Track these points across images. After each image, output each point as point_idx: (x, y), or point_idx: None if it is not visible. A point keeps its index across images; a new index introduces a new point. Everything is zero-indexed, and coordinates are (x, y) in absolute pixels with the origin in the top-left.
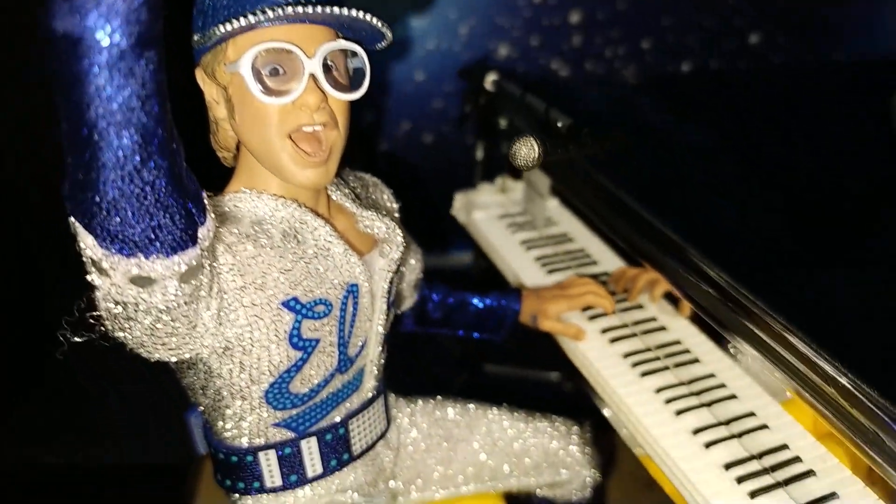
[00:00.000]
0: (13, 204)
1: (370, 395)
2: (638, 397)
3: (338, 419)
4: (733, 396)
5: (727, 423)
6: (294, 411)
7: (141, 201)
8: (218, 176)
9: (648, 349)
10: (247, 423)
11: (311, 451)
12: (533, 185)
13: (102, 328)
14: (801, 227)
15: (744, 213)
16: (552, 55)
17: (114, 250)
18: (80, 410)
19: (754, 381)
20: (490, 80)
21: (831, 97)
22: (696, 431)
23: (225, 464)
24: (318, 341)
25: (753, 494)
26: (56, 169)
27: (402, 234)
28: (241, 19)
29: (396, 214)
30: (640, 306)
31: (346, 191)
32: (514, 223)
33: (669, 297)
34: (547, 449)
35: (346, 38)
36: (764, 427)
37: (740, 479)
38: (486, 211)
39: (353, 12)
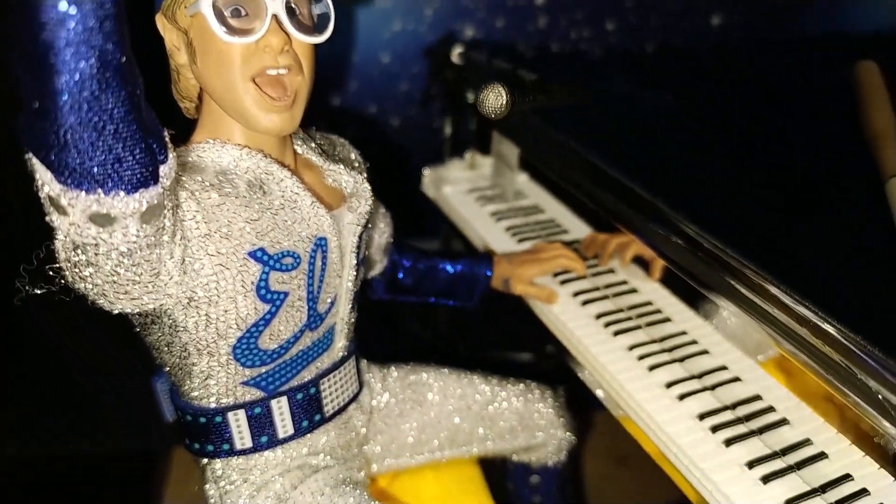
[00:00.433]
0: None
1: (341, 354)
2: (611, 355)
3: (308, 378)
4: (705, 352)
5: (700, 376)
6: (263, 369)
7: (100, 131)
8: (181, 137)
9: (620, 310)
10: (214, 381)
11: (281, 410)
12: (502, 157)
13: (62, 280)
14: (767, 182)
15: (712, 171)
16: (518, 36)
17: (72, 185)
18: (51, 401)
19: (725, 338)
20: (456, 52)
21: (794, 70)
22: (669, 385)
23: (193, 426)
24: (286, 295)
25: (728, 442)
26: None
27: (370, 189)
28: None
29: (364, 174)
30: (611, 271)
31: (313, 145)
32: (484, 196)
33: (640, 262)
34: (521, 412)
35: None
36: (736, 380)
37: (714, 428)
38: (455, 186)
39: None
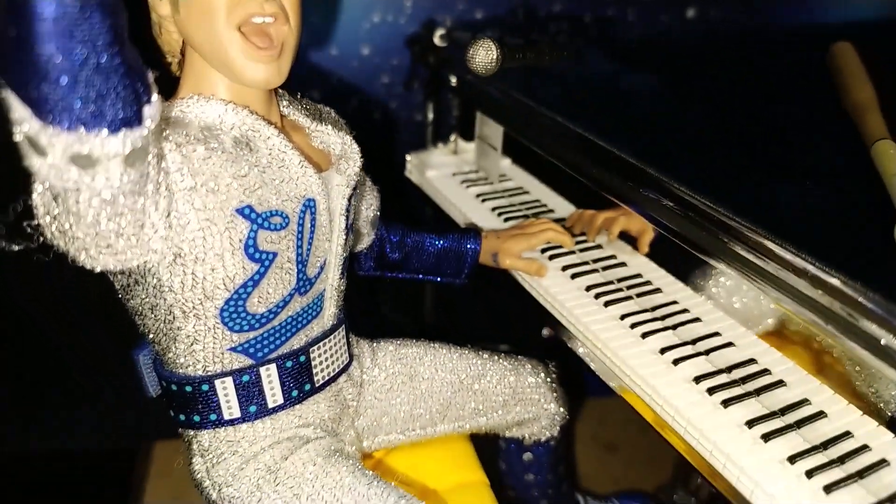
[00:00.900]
0: None
1: (331, 323)
2: (603, 324)
3: (298, 346)
4: (697, 319)
5: (693, 342)
6: (251, 335)
7: (82, 63)
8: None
9: (610, 282)
10: (201, 346)
11: (270, 378)
12: (486, 139)
13: (41, 237)
14: (753, 148)
15: (698, 138)
16: (497, 28)
17: (52, 122)
18: (28, 398)
19: (717, 307)
20: (439, 34)
21: (773, 53)
22: (663, 350)
23: (179, 396)
24: (275, 255)
25: (726, 403)
26: None
27: (358, 150)
28: None
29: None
30: (599, 246)
31: (299, 107)
32: (468, 179)
33: (627, 239)
34: (514, 386)
35: None
36: (730, 345)
37: (711, 390)
38: (439, 170)
39: None
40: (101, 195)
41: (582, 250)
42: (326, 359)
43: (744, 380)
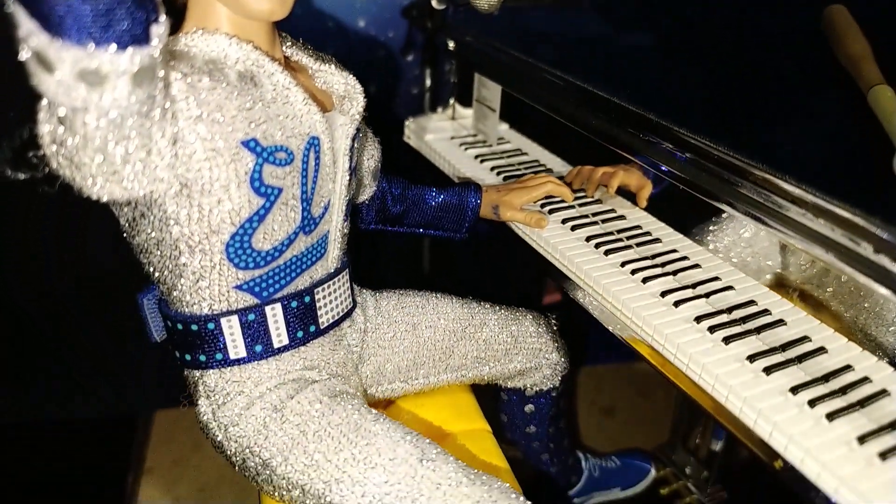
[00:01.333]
0: None
1: (335, 265)
2: (604, 271)
3: (303, 287)
4: (697, 266)
5: (693, 286)
6: (257, 272)
7: None
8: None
9: (610, 233)
10: (207, 283)
11: (275, 318)
12: (484, 101)
13: (47, 166)
14: (753, 96)
15: (696, 86)
16: None
17: (61, 36)
18: (29, 367)
19: (716, 255)
20: None
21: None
22: (664, 294)
23: (184, 335)
24: (280, 191)
25: (727, 340)
26: None
27: (362, 90)
28: None
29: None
30: (598, 201)
31: (302, 48)
32: (466, 142)
33: (626, 195)
34: (516, 335)
35: None
36: (729, 288)
37: (712, 329)
38: (437, 134)
39: None
40: (108, 115)
41: (581, 205)
42: (330, 301)
43: (744, 319)
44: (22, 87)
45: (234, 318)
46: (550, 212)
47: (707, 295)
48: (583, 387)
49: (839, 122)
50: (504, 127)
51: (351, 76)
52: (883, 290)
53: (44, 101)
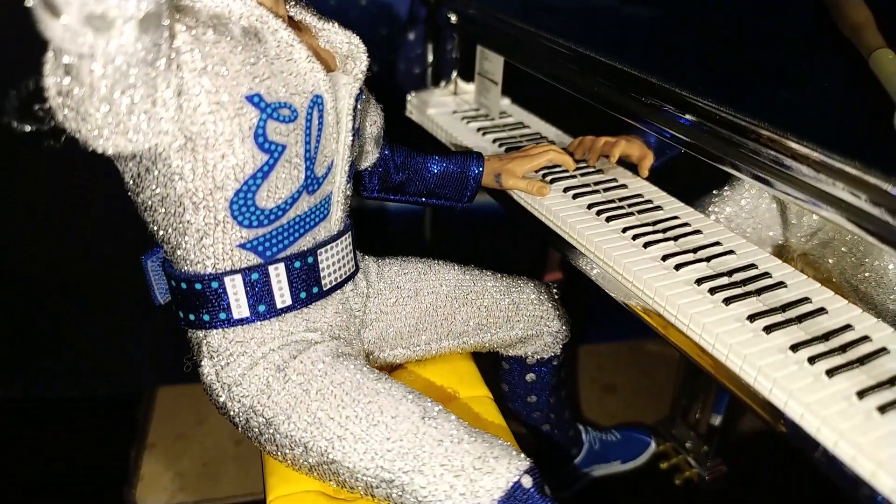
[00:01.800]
0: None
1: (338, 228)
2: (606, 237)
3: (306, 248)
4: (698, 232)
5: (694, 250)
6: (260, 231)
7: None
8: None
9: (611, 201)
10: (210, 240)
11: (279, 278)
12: (486, 73)
13: (52, 119)
14: (754, 62)
15: (698, 52)
16: None
17: None
18: (34, 345)
19: (717, 222)
20: None
21: None
22: (665, 258)
23: (188, 295)
24: (284, 147)
25: (728, 301)
26: None
27: (365, 49)
28: None
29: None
30: (599, 171)
31: (305, 8)
32: (468, 116)
33: (628, 166)
34: (517, 302)
35: None
36: (730, 252)
37: (713, 290)
38: (439, 108)
39: None
40: (114, 62)
41: (583, 174)
42: (333, 263)
43: (744, 282)
44: (27, 40)
45: (238, 278)
46: (552, 181)
47: (708, 259)
48: (584, 365)
49: (840, 86)
50: (506, 101)
51: (354, 36)
52: (885, 247)
53: (49, 53)
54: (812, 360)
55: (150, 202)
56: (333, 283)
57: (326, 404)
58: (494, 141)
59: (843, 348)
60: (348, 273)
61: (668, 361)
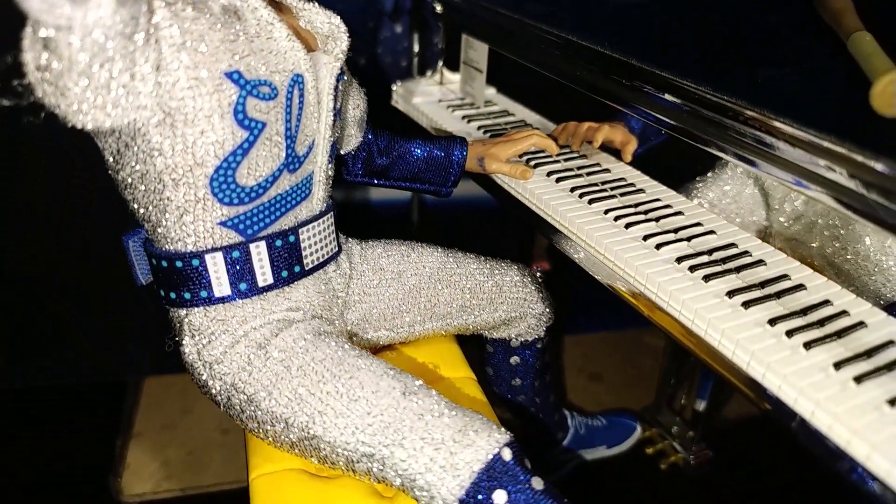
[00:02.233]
0: None
1: (320, 207)
2: (587, 218)
3: (287, 227)
4: (679, 213)
5: (675, 230)
6: (241, 209)
7: None
8: None
9: (594, 185)
10: (191, 218)
11: (260, 256)
12: (471, 62)
13: (31, 94)
14: (734, 45)
15: (683, 37)
16: None
17: None
18: (23, 335)
19: (699, 204)
20: None
21: None
22: (646, 238)
23: (169, 273)
24: (264, 125)
25: (707, 278)
26: None
27: (346, 30)
28: None
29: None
30: (583, 156)
31: None
32: (453, 105)
33: (611, 152)
34: (500, 284)
35: None
36: (711, 233)
37: (692, 268)
38: (425, 97)
39: None
40: (92, 34)
41: (566, 159)
42: (315, 242)
43: (724, 260)
44: (4, 16)
45: (219, 255)
46: (535, 165)
47: (689, 239)
48: (570, 354)
49: (821, 68)
50: (491, 91)
51: (335, 16)
52: (862, 220)
53: (27, 28)
54: (790, 333)
55: (130, 179)
56: (315, 262)
57: (307, 380)
58: (479, 128)
59: (821, 322)
60: (330, 253)
61: (653, 351)
